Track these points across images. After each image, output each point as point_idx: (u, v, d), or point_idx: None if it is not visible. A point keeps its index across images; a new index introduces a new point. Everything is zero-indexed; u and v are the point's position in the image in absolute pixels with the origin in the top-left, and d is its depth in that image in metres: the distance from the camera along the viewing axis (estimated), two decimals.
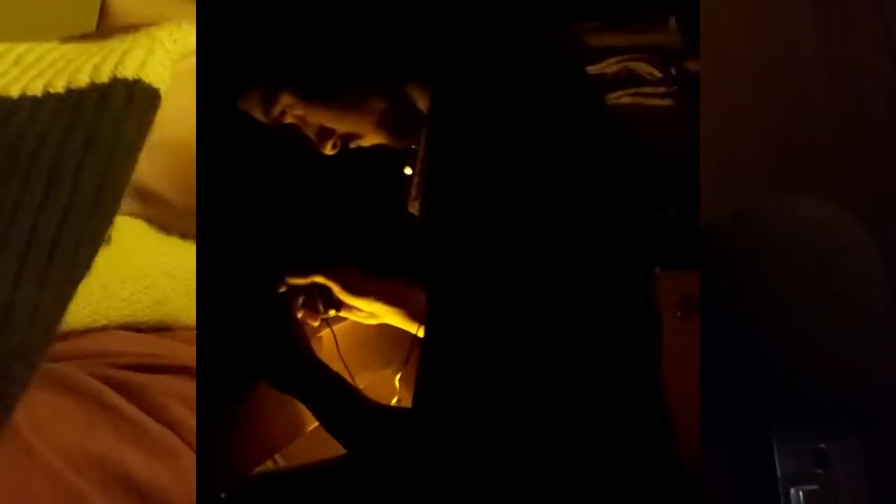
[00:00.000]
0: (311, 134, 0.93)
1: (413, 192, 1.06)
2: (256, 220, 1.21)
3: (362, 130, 0.92)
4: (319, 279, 1.04)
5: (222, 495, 0.93)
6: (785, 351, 0.81)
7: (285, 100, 0.89)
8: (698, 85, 1.15)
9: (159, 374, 0.64)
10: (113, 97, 0.63)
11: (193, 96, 0.69)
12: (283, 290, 1.03)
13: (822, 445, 0.80)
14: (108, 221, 0.61)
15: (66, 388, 0.60)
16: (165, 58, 0.67)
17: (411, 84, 0.89)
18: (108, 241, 0.62)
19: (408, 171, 1.04)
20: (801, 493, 0.79)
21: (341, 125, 0.91)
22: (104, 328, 0.66)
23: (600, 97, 0.95)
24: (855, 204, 0.89)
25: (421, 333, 0.99)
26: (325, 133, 0.92)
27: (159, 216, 0.70)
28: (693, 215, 0.85)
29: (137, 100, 0.64)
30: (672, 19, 1.50)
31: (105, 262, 0.64)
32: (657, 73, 1.48)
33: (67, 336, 0.64)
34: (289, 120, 0.92)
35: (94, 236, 0.60)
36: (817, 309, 0.81)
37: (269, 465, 1.08)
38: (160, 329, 0.68)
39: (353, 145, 0.94)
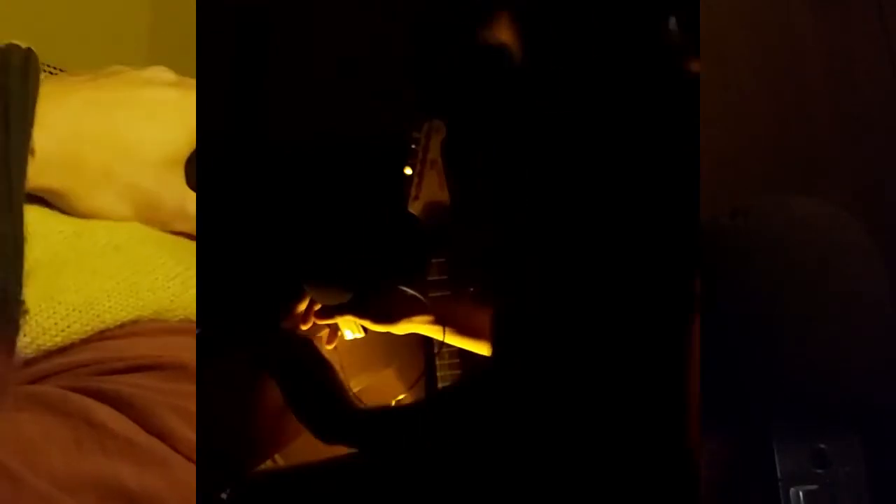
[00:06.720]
0: None
1: (413, 192, 1.06)
2: (256, 225, 1.20)
3: None
4: (348, 318, 1.03)
5: (223, 495, 0.93)
6: (785, 350, 0.81)
7: None
8: (698, 85, 1.14)
9: (153, 372, 0.63)
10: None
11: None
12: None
13: (822, 445, 0.80)
14: (20, 183, 0.61)
15: (52, 410, 0.59)
16: None
17: (507, 16, 0.85)
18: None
19: (408, 171, 1.04)
20: (801, 493, 0.79)
21: None
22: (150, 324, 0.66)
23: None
24: (855, 204, 0.89)
25: (447, 339, 1.01)
26: None
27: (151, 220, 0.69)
28: (693, 215, 0.84)
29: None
30: (672, 19, 1.49)
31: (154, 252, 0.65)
32: None
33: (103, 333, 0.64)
34: None
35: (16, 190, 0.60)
36: (817, 308, 0.81)
37: (269, 465, 1.08)
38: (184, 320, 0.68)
39: None
